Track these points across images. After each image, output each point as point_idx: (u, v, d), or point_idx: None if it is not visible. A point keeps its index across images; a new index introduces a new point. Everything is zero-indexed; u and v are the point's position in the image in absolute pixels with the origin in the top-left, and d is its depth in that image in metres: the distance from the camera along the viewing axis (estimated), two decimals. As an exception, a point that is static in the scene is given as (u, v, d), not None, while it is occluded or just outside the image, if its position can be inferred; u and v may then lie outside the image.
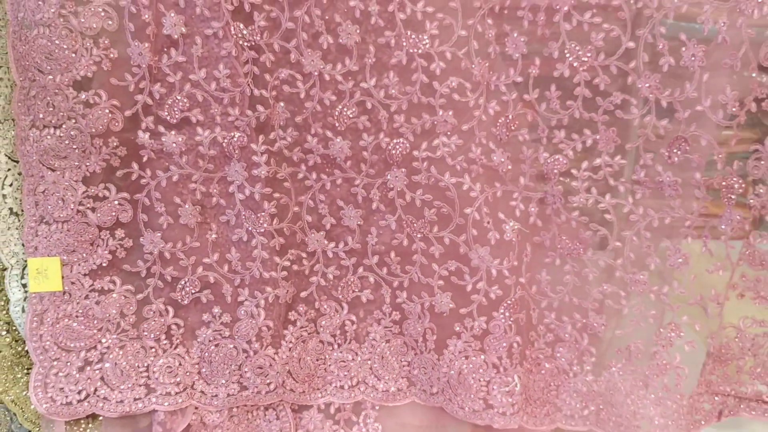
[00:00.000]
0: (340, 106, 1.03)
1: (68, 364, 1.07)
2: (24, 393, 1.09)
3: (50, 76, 0.97)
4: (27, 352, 1.08)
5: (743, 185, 1.02)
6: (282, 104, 1.04)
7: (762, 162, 1.00)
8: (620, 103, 1.00)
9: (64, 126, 0.99)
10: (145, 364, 1.09)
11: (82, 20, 0.95)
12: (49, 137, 0.99)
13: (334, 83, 1.02)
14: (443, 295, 1.09)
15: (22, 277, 1.07)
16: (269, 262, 1.08)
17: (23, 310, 1.07)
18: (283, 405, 1.16)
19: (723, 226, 1.04)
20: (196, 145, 1.04)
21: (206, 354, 1.10)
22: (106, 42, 0.97)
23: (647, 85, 0.99)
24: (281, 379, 1.12)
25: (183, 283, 1.09)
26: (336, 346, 1.16)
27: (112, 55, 0.98)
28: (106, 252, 1.06)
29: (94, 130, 1.00)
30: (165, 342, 1.11)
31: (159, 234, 1.07)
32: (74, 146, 1.00)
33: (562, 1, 0.97)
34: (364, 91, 1.03)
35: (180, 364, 1.10)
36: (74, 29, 0.95)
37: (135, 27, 0.96)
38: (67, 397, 1.07)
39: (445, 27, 0.99)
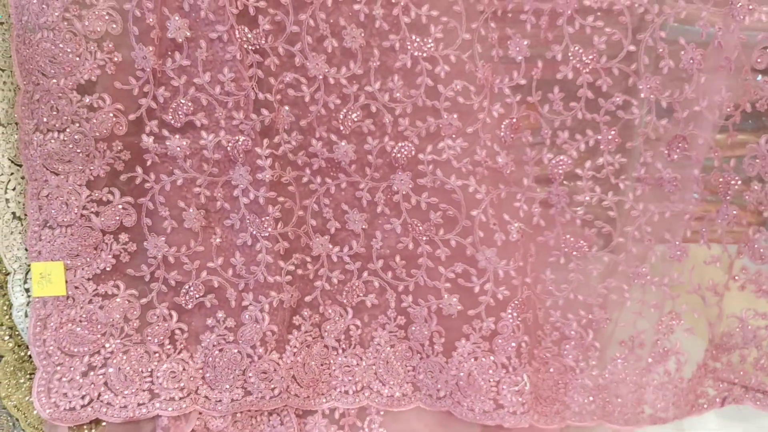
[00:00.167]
0: (345, 110, 1.03)
1: (72, 369, 1.06)
2: (27, 398, 1.08)
3: (54, 80, 0.96)
4: (30, 357, 1.07)
5: (739, 182, 1.06)
6: (287, 108, 1.04)
7: (757, 160, 1.05)
8: (622, 104, 1.03)
9: (67, 130, 0.99)
10: (149, 369, 1.09)
11: (86, 24, 0.95)
12: (52, 141, 0.99)
13: (339, 87, 1.02)
14: (450, 297, 1.09)
15: (25, 282, 1.06)
16: (274, 267, 1.08)
17: (26, 315, 1.06)
18: (287, 410, 1.15)
19: (719, 221, 1.08)
20: (200, 149, 1.04)
21: (210, 359, 1.10)
22: (110, 45, 0.97)
23: (648, 86, 1.02)
24: (285, 384, 1.11)
25: (187, 287, 1.09)
26: (340, 351, 1.15)
27: (116, 59, 0.98)
28: (110, 256, 1.06)
29: (98, 134, 0.99)
30: (169, 347, 1.10)
31: (163, 238, 1.06)
32: (78, 150, 1.00)
33: (566, 5, 0.99)
34: (369, 94, 1.03)
35: (184, 369, 1.10)
36: (78, 33, 0.95)
37: (139, 30, 0.96)
38: (70, 402, 1.06)
39: (449, 30, 0.99)
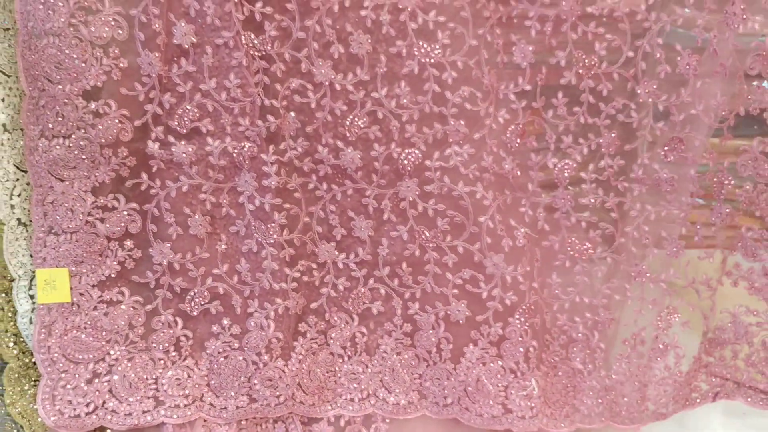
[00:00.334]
0: (351, 116, 1.03)
1: (76, 376, 1.06)
2: (31, 405, 1.08)
3: (59, 86, 0.96)
4: (34, 364, 1.07)
5: (732, 182, 1.10)
6: (293, 114, 1.04)
7: (750, 162, 1.09)
8: (621, 108, 1.06)
9: (73, 136, 0.99)
10: (154, 376, 1.08)
11: (92, 29, 0.95)
12: (58, 147, 0.98)
13: (345, 93, 1.02)
14: (458, 303, 1.09)
15: (30, 288, 1.06)
16: (279, 273, 1.07)
17: (31, 322, 1.06)
18: (292, 417, 1.14)
19: (713, 219, 1.12)
20: (206, 156, 1.03)
21: (215, 366, 1.09)
22: (116, 51, 0.97)
23: (646, 90, 1.05)
24: (291, 391, 1.10)
25: (192, 294, 1.08)
26: (346, 358, 1.15)
27: (122, 65, 0.97)
28: (115, 263, 1.05)
29: (103, 140, 0.99)
30: (174, 354, 1.10)
31: (168, 245, 1.06)
32: (83, 156, 0.99)
33: (570, 12, 1.00)
34: (376, 100, 1.02)
35: (189, 376, 1.09)
36: (84, 39, 0.95)
37: (145, 36, 0.96)
38: (75, 409, 1.05)
39: (456, 36, 0.99)
